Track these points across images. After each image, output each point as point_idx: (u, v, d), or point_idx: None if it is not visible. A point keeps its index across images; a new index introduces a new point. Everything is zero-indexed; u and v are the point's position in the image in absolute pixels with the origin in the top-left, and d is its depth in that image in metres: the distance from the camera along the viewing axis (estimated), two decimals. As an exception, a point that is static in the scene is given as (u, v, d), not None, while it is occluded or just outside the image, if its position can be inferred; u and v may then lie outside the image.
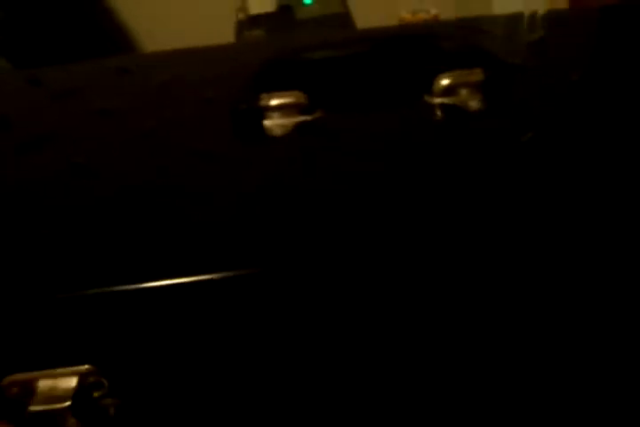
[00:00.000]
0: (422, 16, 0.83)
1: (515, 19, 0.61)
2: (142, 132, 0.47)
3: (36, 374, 0.34)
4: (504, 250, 0.33)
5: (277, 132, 0.45)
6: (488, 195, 0.36)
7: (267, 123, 0.46)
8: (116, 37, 1.31)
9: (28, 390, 0.34)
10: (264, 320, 0.34)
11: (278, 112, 0.46)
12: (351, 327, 0.35)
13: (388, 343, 0.36)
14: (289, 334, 0.35)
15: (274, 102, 0.45)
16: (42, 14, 1.10)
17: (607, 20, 0.62)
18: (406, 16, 0.83)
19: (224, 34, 0.99)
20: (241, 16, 0.98)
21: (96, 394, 0.35)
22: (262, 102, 0.45)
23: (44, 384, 0.34)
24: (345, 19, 0.93)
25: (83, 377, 0.34)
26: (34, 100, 0.56)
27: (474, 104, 0.45)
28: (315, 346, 0.35)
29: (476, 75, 0.45)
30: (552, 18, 0.62)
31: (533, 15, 0.61)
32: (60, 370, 0.34)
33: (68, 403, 0.33)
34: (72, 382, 0.34)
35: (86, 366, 0.34)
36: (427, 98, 0.46)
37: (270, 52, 0.52)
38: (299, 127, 0.45)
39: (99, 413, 0.35)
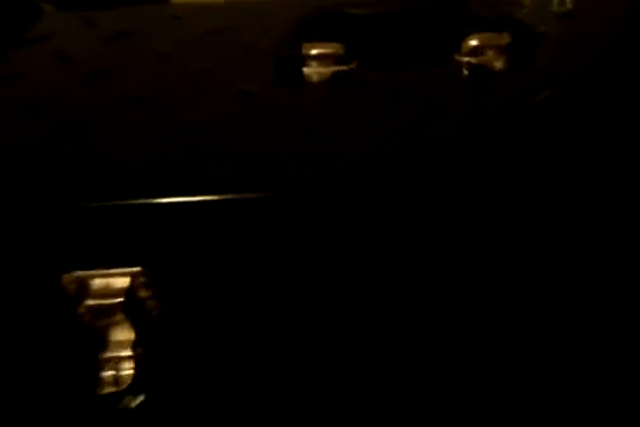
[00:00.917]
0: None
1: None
2: (192, 73, 0.51)
3: (92, 272, 0.39)
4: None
5: (315, 78, 0.49)
6: (500, 148, 0.40)
7: (306, 70, 0.49)
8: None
9: (84, 287, 0.39)
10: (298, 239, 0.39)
11: (317, 61, 0.49)
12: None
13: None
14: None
15: (314, 51, 0.49)
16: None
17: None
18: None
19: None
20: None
21: (143, 295, 0.40)
22: (304, 51, 0.49)
23: (99, 282, 0.39)
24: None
25: (134, 277, 0.39)
26: (89, 39, 0.59)
27: (498, 64, 0.48)
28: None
29: (504, 38, 0.49)
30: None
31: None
32: (114, 270, 0.39)
33: (120, 299, 0.38)
34: (124, 281, 0.39)
35: (138, 268, 0.39)
36: (456, 56, 0.50)
37: (313, 7, 0.56)
38: (335, 76, 0.49)
39: (144, 312, 0.40)
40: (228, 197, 0.37)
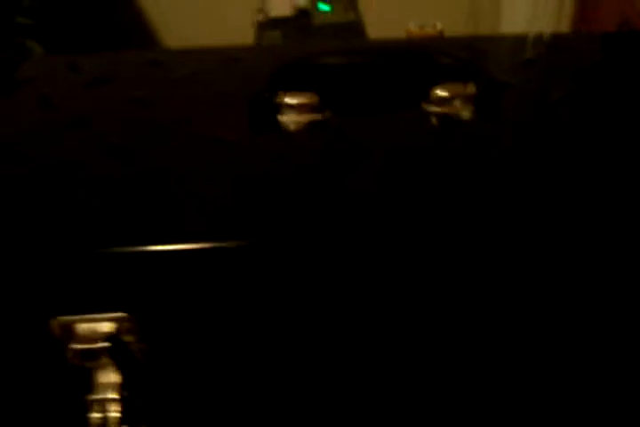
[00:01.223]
0: (429, 31, 0.89)
1: (514, 40, 0.68)
2: (170, 120, 0.54)
3: (78, 317, 0.41)
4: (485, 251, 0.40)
5: (291, 126, 0.52)
6: (469, 197, 0.43)
7: (282, 118, 0.52)
8: (139, 30, 1.38)
9: (70, 331, 0.41)
10: (277, 287, 0.41)
11: (293, 109, 0.52)
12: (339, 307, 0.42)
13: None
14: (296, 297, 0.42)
15: (290, 100, 0.52)
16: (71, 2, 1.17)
17: (605, 46, 0.68)
18: (414, 30, 0.89)
19: (244, 33, 1.05)
20: (260, 17, 1.05)
21: (128, 339, 0.42)
22: (280, 99, 0.52)
23: (84, 327, 0.41)
24: (357, 27, 0.99)
25: (119, 322, 0.41)
26: (71, 84, 0.62)
27: (465, 114, 0.51)
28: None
29: (469, 88, 0.52)
30: (551, 41, 0.68)
31: (532, 37, 0.67)
32: (99, 315, 0.41)
33: (105, 344, 0.40)
34: (109, 326, 0.41)
35: (122, 314, 0.41)
36: (424, 106, 0.52)
37: (288, 56, 0.59)
38: (309, 124, 0.52)
39: (128, 356, 0.42)
40: (207, 245, 0.40)
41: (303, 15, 1.06)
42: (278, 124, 0.52)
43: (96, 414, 0.41)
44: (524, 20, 1.16)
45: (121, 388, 0.42)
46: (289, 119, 0.52)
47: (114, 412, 0.41)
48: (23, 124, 0.55)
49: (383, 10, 1.15)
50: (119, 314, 0.41)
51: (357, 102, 0.55)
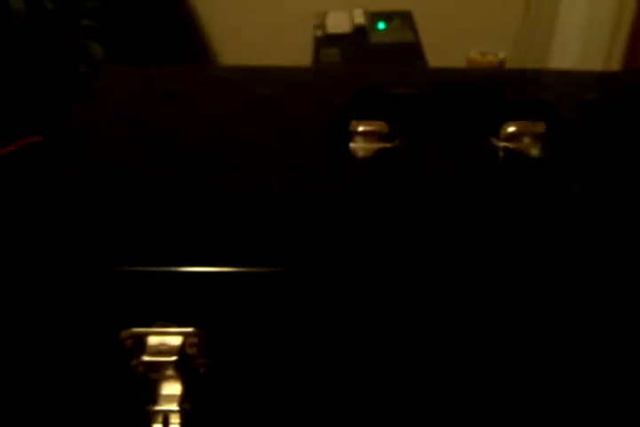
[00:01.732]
0: (491, 59, 0.89)
1: (577, 76, 0.69)
2: (241, 140, 0.55)
3: (150, 329, 0.42)
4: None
5: (360, 153, 0.53)
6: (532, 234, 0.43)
7: (352, 145, 0.53)
8: (196, 39, 1.40)
9: (142, 343, 0.42)
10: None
11: (363, 137, 0.53)
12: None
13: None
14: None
15: (361, 128, 0.53)
16: (135, 10, 1.20)
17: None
18: (476, 57, 0.90)
19: (302, 48, 1.07)
20: (318, 33, 1.06)
21: (193, 353, 0.43)
22: (351, 127, 0.53)
23: (155, 340, 0.42)
24: (415, 48, 1.00)
25: (187, 337, 0.42)
26: (147, 98, 0.64)
27: (534, 151, 0.52)
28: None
29: (539, 126, 0.52)
30: (608, 78, 0.68)
31: (591, 74, 0.68)
32: (169, 329, 0.42)
33: (174, 358, 0.41)
34: (178, 340, 0.42)
35: (191, 328, 0.42)
36: (493, 140, 0.53)
37: (359, 82, 0.60)
38: (379, 152, 0.53)
39: (193, 369, 0.43)
40: (275, 269, 0.41)
41: (360, 33, 1.07)
42: (349, 151, 0.53)
43: (157, 425, 0.42)
44: (575, 52, 1.16)
45: (182, 400, 0.43)
46: (359, 146, 0.53)
47: (174, 424, 0.42)
48: (97, 135, 0.57)
49: (438, 31, 1.16)
50: (188, 329, 0.42)
51: (427, 131, 0.56)
